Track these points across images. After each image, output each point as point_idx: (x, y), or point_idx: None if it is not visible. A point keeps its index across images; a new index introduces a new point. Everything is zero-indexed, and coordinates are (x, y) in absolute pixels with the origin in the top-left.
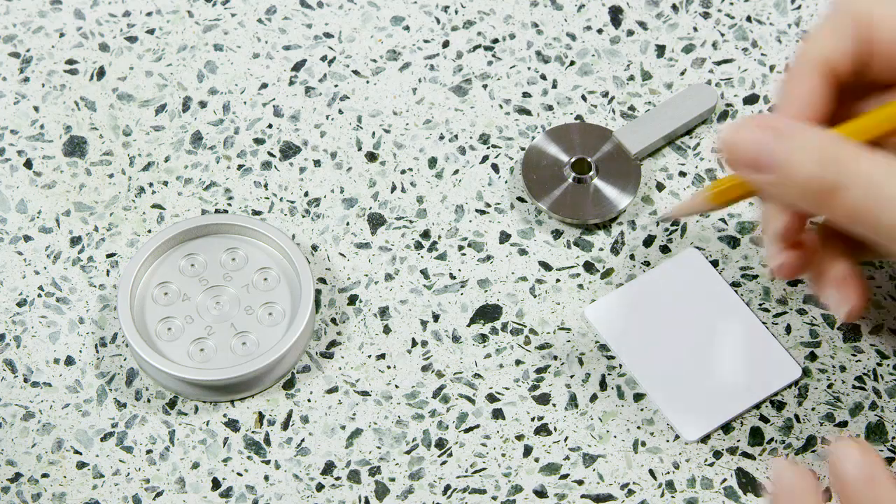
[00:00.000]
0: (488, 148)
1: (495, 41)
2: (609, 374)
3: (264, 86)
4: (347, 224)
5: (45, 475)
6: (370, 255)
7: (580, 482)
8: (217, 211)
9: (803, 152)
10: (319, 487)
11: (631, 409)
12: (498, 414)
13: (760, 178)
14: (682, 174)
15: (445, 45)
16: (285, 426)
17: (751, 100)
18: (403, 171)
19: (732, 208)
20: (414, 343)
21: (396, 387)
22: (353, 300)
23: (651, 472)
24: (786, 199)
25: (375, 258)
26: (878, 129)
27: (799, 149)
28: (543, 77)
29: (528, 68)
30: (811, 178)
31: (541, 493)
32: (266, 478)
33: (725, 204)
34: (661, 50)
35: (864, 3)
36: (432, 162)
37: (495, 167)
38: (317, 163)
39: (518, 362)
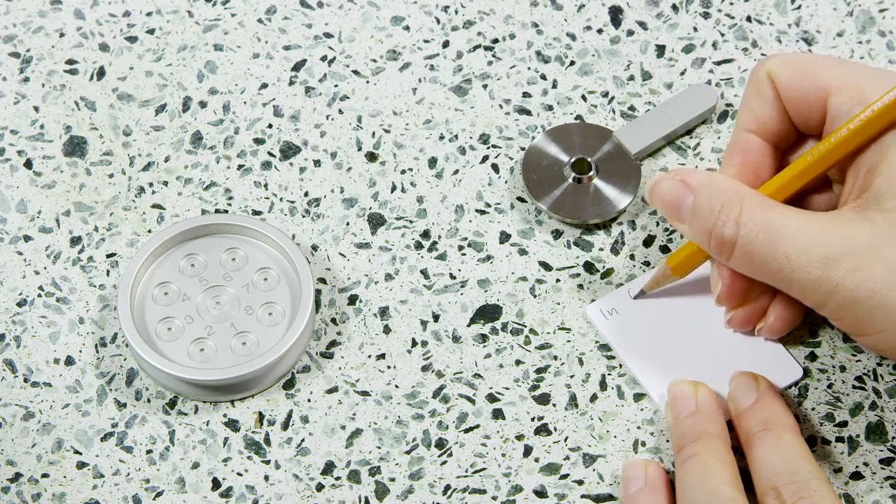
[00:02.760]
0: (488, 148)
1: (495, 41)
2: (609, 374)
3: (264, 86)
4: (347, 224)
5: (45, 475)
6: (370, 255)
7: (580, 482)
8: (217, 211)
9: (705, 206)
10: (319, 487)
11: (631, 409)
12: (498, 414)
13: (679, 226)
14: None
15: (445, 45)
16: (285, 426)
17: None
18: (403, 171)
19: None
20: (414, 343)
21: (396, 387)
22: (353, 300)
23: None
24: (705, 249)
25: (375, 258)
26: (791, 186)
27: (702, 203)
28: (543, 77)
29: (528, 68)
30: (710, 230)
31: (541, 493)
32: (266, 478)
33: (686, 273)
34: (661, 50)
35: (770, 64)
36: (432, 162)
37: (495, 167)
38: (317, 163)
39: (518, 362)
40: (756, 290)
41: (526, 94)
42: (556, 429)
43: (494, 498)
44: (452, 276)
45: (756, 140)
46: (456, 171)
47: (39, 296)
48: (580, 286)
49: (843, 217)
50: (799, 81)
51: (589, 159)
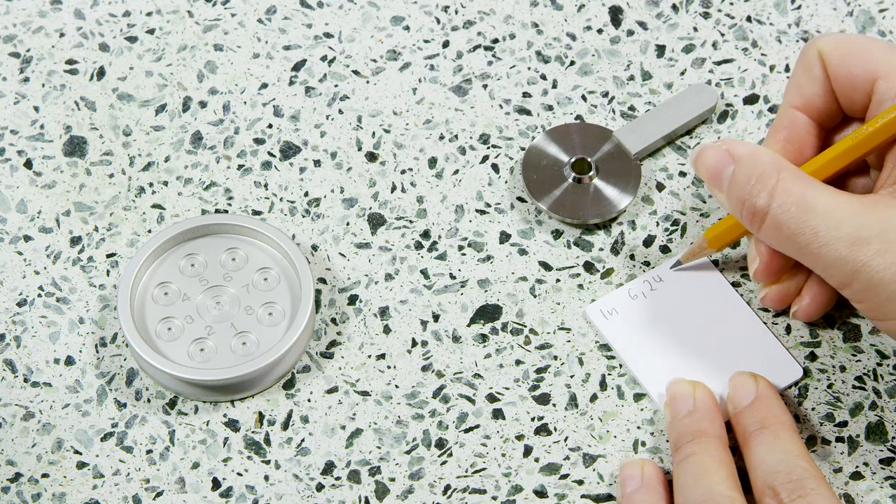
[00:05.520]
0: (488, 148)
1: (495, 41)
2: (609, 374)
3: (264, 86)
4: (347, 224)
5: (45, 475)
6: (370, 255)
7: (580, 482)
8: (217, 211)
9: (742, 174)
10: (319, 487)
11: (631, 409)
12: (498, 414)
13: (718, 195)
14: (682, 174)
15: (445, 45)
16: (285, 426)
17: (751, 100)
18: (403, 171)
19: None
20: (414, 343)
21: (396, 387)
22: (353, 300)
23: None
24: (738, 219)
25: (375, 258)
26: (832, 166)
27: (741, 172)
28: (543, 77)
29: (528, 68)
30: (745, 199)
31: (541, 493)
32: (266, 478)
33: (722, 247)
34: (661, 50)
35: (822, 43)
36: (432, 162)
37: (495, 167)
38: (317, 163)
39: (518, 362)
40: (792, 268)
41: (526, 94)
42: (556, 429)
43: (494, 498)
44: (452, 276)
45: (802, 117)
46: (456, 171)
47: (39, 296)
48: (580, 286)
49: (879, 201)
50: (848, 62)
51: (589, 159)
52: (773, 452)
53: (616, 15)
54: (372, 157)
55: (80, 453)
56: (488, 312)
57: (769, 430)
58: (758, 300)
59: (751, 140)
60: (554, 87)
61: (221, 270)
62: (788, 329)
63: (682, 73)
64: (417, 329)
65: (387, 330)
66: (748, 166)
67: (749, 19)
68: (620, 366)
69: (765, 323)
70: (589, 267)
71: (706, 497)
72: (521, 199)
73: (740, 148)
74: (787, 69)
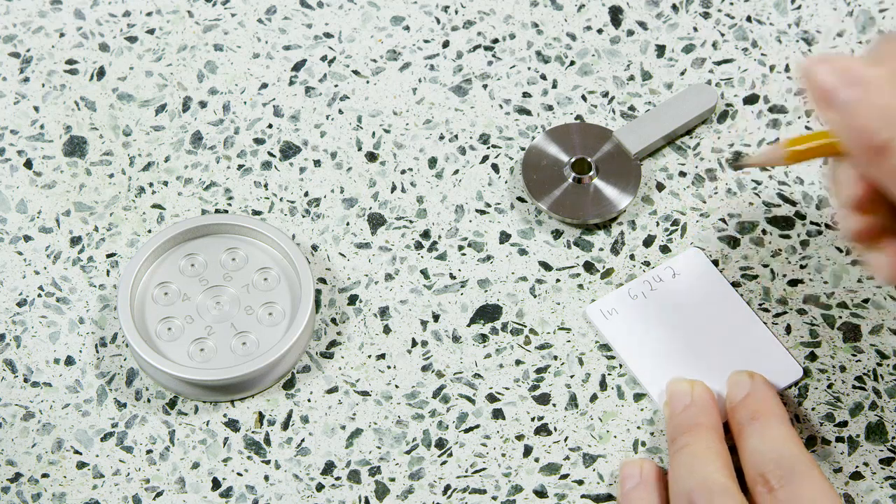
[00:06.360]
0: (488, 148)
1: (495, 41)
2: (609, 374)
3: (264, 86)
4: (347, 224)
5: (45, 475)
6: (370, 255)
7: (580, 482)
8: (217, 211)
9: (868, 103)
10: (319, 487)
11: (631, 409)
12: (498, 414)
13: (828, 114)
14: (682, 174)
15: (445, 45)
16: (285, 426)
17: (751, 100)
18: (403, 171)
19: (732, 207)
20: (414, 343)
21: (396, 387)
22: (353, 300)
23: None
24: (846, 145)
25: (375, 258)
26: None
27: (865, 99)
28: (543, 77)
29: (528, 68)
30: (866, 130)
31: (541, 493)
32: (266, 478)
33: (799, 161)
34: (661, 50)
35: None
36: (432, 162)
37: (495, 167)
38: (317, 163)
39: (518, 362)
40: (877, 202)
41: (526, 94)
42: (556, 429)
43: (494, 498)
44: (452, 276)
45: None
46: (456, 171)
47: (39, 296)
48: (580, 286)
49: None
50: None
51: (589, 159)
52: (764, 441)
53: (616, 15)
54: (372, 157)
55: (80, 453)
56: (488, 312)
57: (760, 421)
58: (841, 234)
59: (751, 140)
60: (554, 87)
61: (221, 270)
62: (788, 329)
63: (682, 73)
64: (417, 329)
65: (387, 330)
66: (871, 98)
67: (749, 19)
68: (620, 366)
69: (765, 323)
70: (589, 267)
71: (700, 484)
72: (521, 199)
73: (866, 72)
74: (787, 69)
